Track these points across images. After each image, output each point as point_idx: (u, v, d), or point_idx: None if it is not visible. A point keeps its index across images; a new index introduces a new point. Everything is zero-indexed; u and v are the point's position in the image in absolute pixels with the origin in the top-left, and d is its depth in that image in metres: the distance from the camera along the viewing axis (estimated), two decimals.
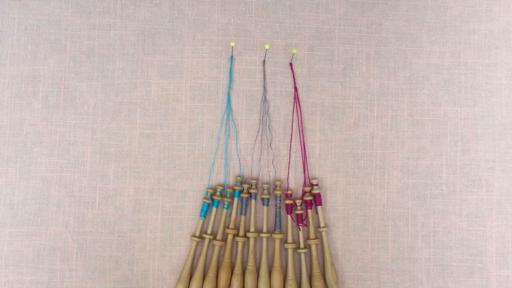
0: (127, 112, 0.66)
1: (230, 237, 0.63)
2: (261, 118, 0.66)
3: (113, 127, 0.66)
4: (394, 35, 0.68)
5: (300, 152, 0.66)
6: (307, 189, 0.64)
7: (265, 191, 0.64)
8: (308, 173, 0.65)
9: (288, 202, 0.64)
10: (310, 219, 0.64)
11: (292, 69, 0.67)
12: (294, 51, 0.67)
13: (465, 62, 0.67)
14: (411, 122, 0.67)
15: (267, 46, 0.67)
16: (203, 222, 0.64)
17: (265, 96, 0.66)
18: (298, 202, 0.64)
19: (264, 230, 0.64)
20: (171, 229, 0.65)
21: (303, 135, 0.66)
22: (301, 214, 0.64)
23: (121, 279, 0.64)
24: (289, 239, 0.64)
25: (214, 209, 0.64)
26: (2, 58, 0.66)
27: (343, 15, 0.68)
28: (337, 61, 0.67)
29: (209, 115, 0.66)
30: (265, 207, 0.64)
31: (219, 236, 0.64)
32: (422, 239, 0.65)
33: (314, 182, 0.65)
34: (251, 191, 0.64)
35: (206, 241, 0.64)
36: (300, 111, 0.66)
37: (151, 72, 0.66)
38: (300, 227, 0.64)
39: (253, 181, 0.64)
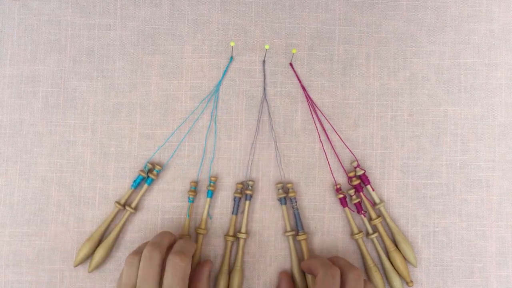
0: (127, 112, 0.66)
1: (200, 237, 0.63)
2: (260, 118, 0.66)
3: (113, 127, 0.66)
4: (394, 35, 0.68)
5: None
6: (351, 174, 0.65)
7: (280, 191, 0.64)
8: (342, 163, 0.66)
9: (340, 196, 0.64)
10: (366, 202, 0.64)
11: (293, 69, 0.67)
12: (294, 51, 0.67)
13: (465, 62, 0.67)
14: (411, 122, 0.67)
15: (267, 46, 0.67)
16: (132, 192, 0.64)
17: (265, 96, 0.66)
18: (351, 192, 0.64)
19: (288, 228, 0.64)
20: (171, 229, 0.65)
21: (324, 129, 0.66)
22: (359, 202, 0.64)
23: None
24: (355, 230, 0.64)
25: (145, 186, 0.64)
26: (2, 58, 0.66)
27: (343, 15, 0.68)
28: (337, 61, 0.67)
29: (209, 115, 0.66)
30: (283, 206, 0.64)
31: (185, 231, 0.64)
32: (422, 239, 0.65)
33: (354, 164, 0.65)
34: (247, 192, 0.64)
35: (127, 213, 0.64)
36: (314, 107, 0.66)
37: (151, 72, 0.66)
38: (362, 214, 0.64)
39: (251, 183, 0.64)
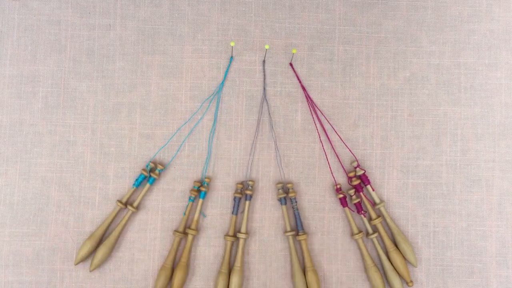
0: (127, 112, 0.66)
1: (190, 237, 0.63)
2: (260, 118, 0.66)
3: (113, 127, 0.66)
4: (394, 35, 0.68)
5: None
6: (351, 174, 0.65)
7: (280, 191, 0.64)
8: (342, 163, 0.66)
9: (340, 196, 0.64)
10: (366, 202, 0.64)
11: (293, 69, 0.67)
12: (294, 51, 0.67)
13: (465, 62, 0.67)
14: (411, 122, 0.67)
15: (267, 46, 0.67)
16: (134, 191, 0.64)
17: (265, 96, 0.66)
18: (351, 192, 0.64)
19: (288, 228, 0.64)
20: (171, 229, 0.65)
21: (324, 129, 0.66)
22: (359, 202, 0.64)
23: (121, 279, 0.64)
24: (355, 230, 0.64)
25: (147, 185, 0.64)
26: (2, 58, 0.66)
27: (343, 15, 0.68)
28: (337, 61, 0.67)
29: (209, 115, 0.66)
30: (283, 206, 0.64)
31: (180, 228, 0.64)
32: (422, 239, 0.65)
33: (354, 164, 0.65)
34: (247, 192, 0.64)
35: (129, 212, 0.64)
36: (314, 107, 0.66)
37: (151, 72, 0.66)
38: (362, 214, 0.64)
39: (251, 183, 0.64)
